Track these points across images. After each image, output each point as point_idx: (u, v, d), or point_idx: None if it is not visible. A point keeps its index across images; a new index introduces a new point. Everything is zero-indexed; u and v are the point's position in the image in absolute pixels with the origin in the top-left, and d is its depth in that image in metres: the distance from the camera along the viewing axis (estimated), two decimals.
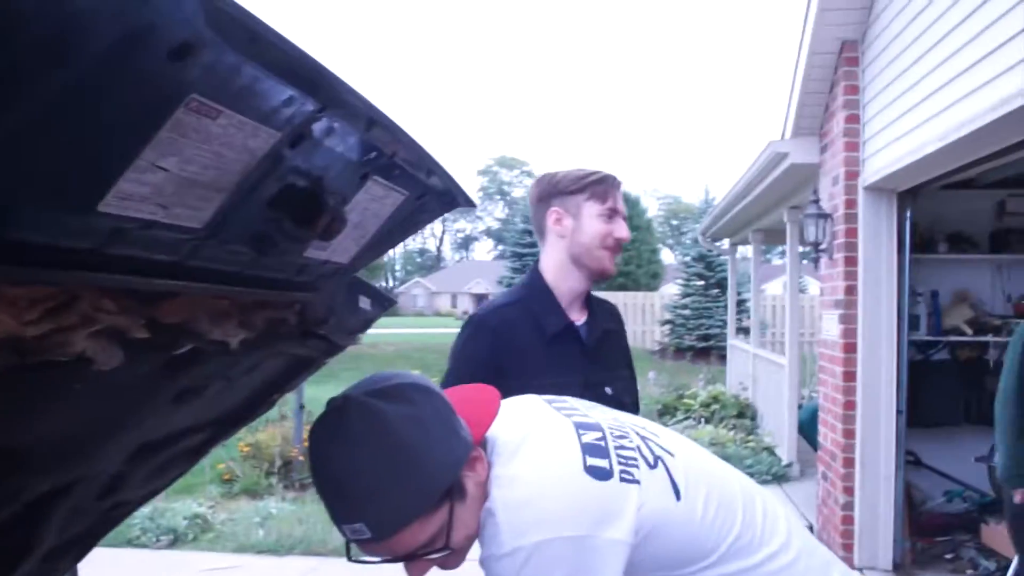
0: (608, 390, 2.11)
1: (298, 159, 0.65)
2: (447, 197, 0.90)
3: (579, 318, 2.18)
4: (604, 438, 1.33)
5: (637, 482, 1.28)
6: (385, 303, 1.26)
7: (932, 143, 4.08)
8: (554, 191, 2.16)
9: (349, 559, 1.27)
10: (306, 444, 7.48)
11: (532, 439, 1.30)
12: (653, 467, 1.34)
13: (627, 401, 2.16)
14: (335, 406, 1.16)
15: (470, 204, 0.95)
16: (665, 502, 1.30)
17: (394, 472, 1.14)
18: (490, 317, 2.13)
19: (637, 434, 1.41)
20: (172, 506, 6.43)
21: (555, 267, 2.16)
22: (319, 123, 0.68)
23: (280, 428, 7.84)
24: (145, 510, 6.30)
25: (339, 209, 0.72)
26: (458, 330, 2.20)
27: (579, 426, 1.34)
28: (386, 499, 1.14)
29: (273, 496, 7.03)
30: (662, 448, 1.41)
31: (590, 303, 2.24)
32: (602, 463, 1.27)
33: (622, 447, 1.33)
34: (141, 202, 0.54)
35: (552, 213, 2.15)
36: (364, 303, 1.20)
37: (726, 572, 1.34)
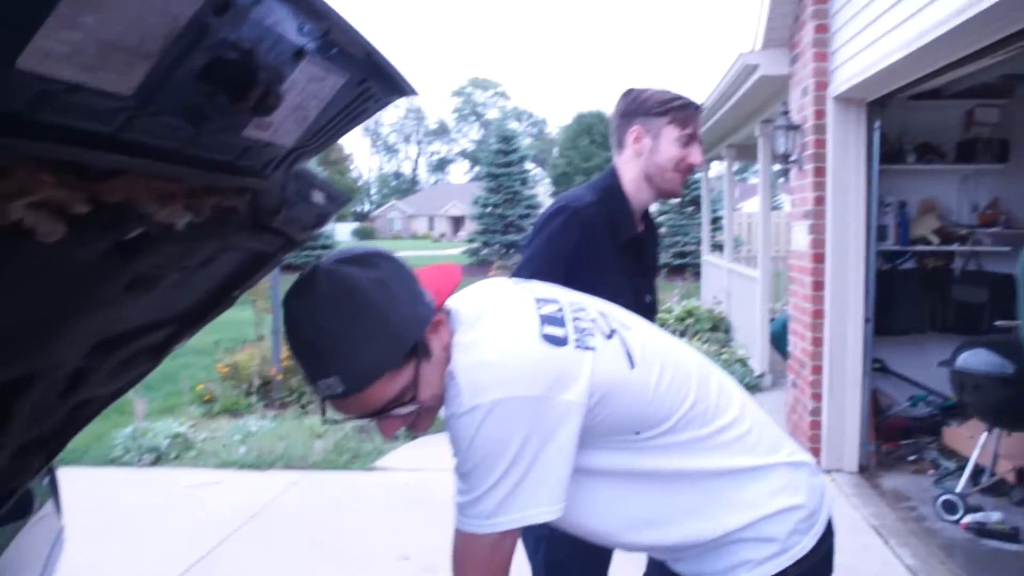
0: (647, 298, 2.30)
1: (225, 29, 0.66)
2: (389, 83, 0.91)
3: (639, 229, 2.33)
4: (562, 310, 1.41)
5: (592, 349, 1.35)
6: (339, 199, 1.27)
7: (898, 51, 4.07)
8: (639, 110, 2.25)
9: (324, 421, 1.35)
10: (284, 363, 7.59)
11: (493, 310, 1.38)
12: (609, 337, 1.41)
13: (656, 310, 2.38)
14: (306, 274, 1.23)
15: (413, 92, 0.96)
16: (619, 368, 1.37)
17: (362, 329, 1.21)
18: (583, 212, 2.18)
19: (596, 310, 1.48)
20: (153, 426, 6.50)
21: (631, 180, 2.27)
22: None
23: (258, 348, 7.88)
24: (126, 430, 6.38)
25: (273, 84, 0.72)
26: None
27: (539, 300, 1.42)
28: (355, 354, 1.21)
29: (253, 415, 7.12)
30: (620, 323, 1.48)
31: (646, 216, 2.38)
32: (558, 331, 1.34)
33: (579, 319, 1.40)
34: (62, 61, 0.55)
35: (633, 131, 2.25)
36: (317, 197, 1.21)
37: (678, 440, 1.42)
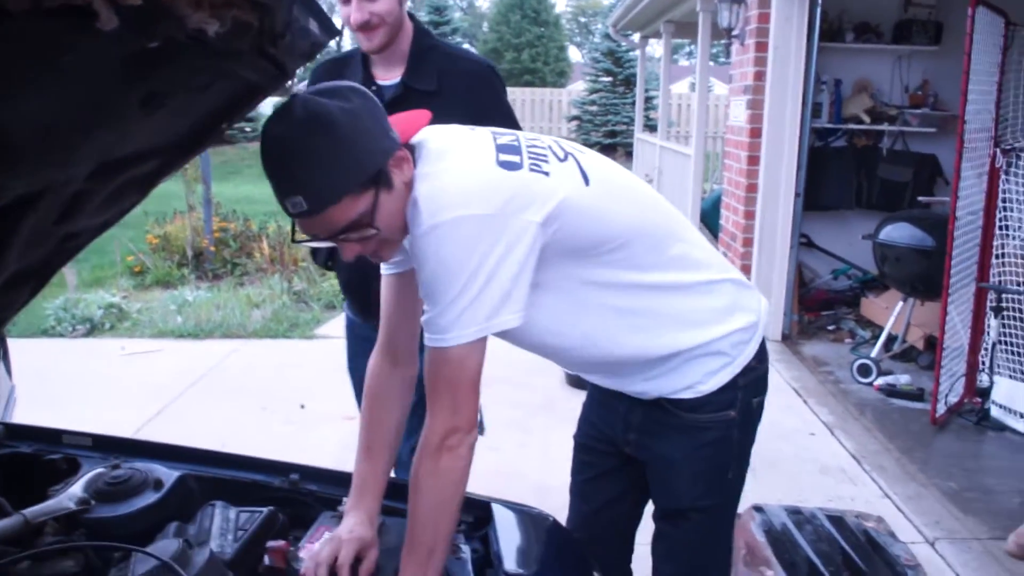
0: None
1: None
2: None
3: (386, 77, 2.27)
4: (517, 139, 1.51)
5: (546, 174, 1.44)
6: (332, 30, 1.27)
7: None
8: None
9: (293, 242, 1.46)
10: (216, 235, 7.48)
11: (454, 146, 1.46)
12: (563, 160, 1.51)
13: None
14: (283, 103, 1.31)
15: None
16: (574, 186, 1.47)
17: (328, 152, 1.29)
18: (321, 67, 2.39)
19: (552, 139, 1.58)
20: (84, 297, 6.40)
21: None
22: None
23: (189, 220, 7.73)
24: (56, 301, 6.25)
25: None
26: None
27: (495, 133, 1.51)
28: (320, 175, 1.30)
29: (187, 286, 7.04)
30: (575, 149, 1.58)
31: (418, 64, 2.25)
32: (513, 158, 1.44)
33: (534, 147, 1.50)
34: None
35: None
36: (313, 26, 1.21)
37: (632, 254, 1.53)
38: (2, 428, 1.68)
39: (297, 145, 1.29)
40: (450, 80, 2.22)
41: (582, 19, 55.09)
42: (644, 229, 1.56)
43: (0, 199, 1.01)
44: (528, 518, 1.64)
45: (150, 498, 1.47)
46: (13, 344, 5.61)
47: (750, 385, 1.68)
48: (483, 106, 2.17)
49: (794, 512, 2.59)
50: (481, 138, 1.49)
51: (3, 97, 0.76)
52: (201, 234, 7.63)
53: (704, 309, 1.63)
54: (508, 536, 1.54)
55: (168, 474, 1.53)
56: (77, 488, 1.47)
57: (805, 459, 3.91)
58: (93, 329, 6.07)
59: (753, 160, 5.53)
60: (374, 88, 2.19)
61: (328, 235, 1.38)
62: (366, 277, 2.14)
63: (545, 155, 1.48)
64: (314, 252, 2.43)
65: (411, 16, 2.29)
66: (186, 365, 5.21)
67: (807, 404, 4.60)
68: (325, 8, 1.28)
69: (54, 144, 0.93)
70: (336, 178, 1.31)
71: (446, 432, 1.37)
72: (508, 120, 2.23)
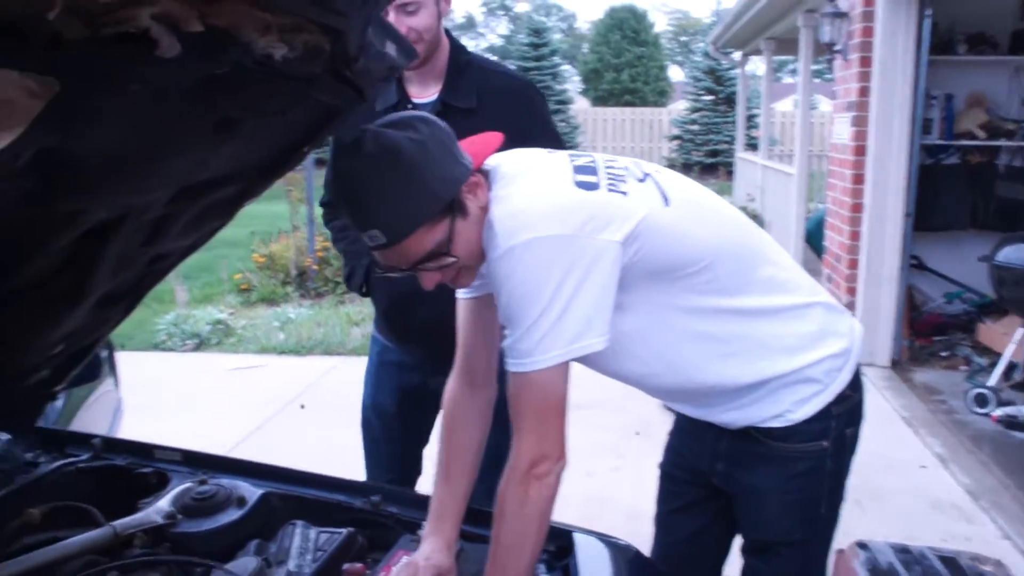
0: None
1: None
2: None
3: (422, 95, 2.16)
4: (594, 161, 1.48)
5: (624, 193, 1.41)
6: (410, 53, 1.27)
7: None
8: None
9: (376, 274, 1.44)
10: (319, 255, 7.68)
11: (528, 168, 1.45)
12: (641, 180, 1.47)
13: None
14: (353, 138, 1.32)
15: None
16: (654, 207, 1.43)
17: (400, 184, 1.30)
18: None
19: (630, 160, 1.55)
20: (193, 313, 6.66)
21: None
22: None
23: (293, 239, 7.97)
24: (168, 316, 6.53)
25: None
26: None
27: (572, 155, 1.50)
28: (394, 208, 1.31)
29: (290, 303, 7.25)
30: (653, 169, 1.55)
31: (456, 81, 2.17)
32: (590, 178, 1.41)
33: (611, 167, 1.47)
34: None
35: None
36: (390, 48, 1.21)
37: (717, 277, 1.48)
38: (100, 441, 1.74)
39: (369, 180, 1.31)
40: (489, 97, 2.14)
41: (683, 38, 54.65)
42: (728, 250, 1.50)
43: (82, 224, 1.04)
44: (611, 549, 1.59)
45: (233, 515, 1.49)
46: (128, 357, 5.88)
47: (844, 414, 1.61)
48: (525, 124, 2.09)
49: (902, 551, 2.44)
50: (556, 159, 1.47)
51: (73, 126, 0.78)
52: (304, 253, 7.85)
53: (794, 335, 1.56)
54: (590, 567, 1.50)
55: (252, 491, 1.55)
56: (164, 502, 1.50)
57: (915, 494, 3.71)
58: (201, 344, 6.31)
59: (858, 179, 5.33)
60: (410, 106, 2.14)
61: (407, 265, 1.38)
62: (410, 301, 2.11)
63: (623, 175, 1.45)
64: (347, 279, 2.34)
65: (447, 32, 2.21)
66: (286, 381, 5.35)
67: (918, 435, 4.37)
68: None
69: (128, 170, 0.95)
70: (410, 210, 1.31)
71: (533, 460, 1.35)
72: (552, 138, 2.16)
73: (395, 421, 2.38)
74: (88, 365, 2.15)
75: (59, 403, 2.51)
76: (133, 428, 3.27)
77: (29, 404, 1.66)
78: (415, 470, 2.46)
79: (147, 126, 0.91)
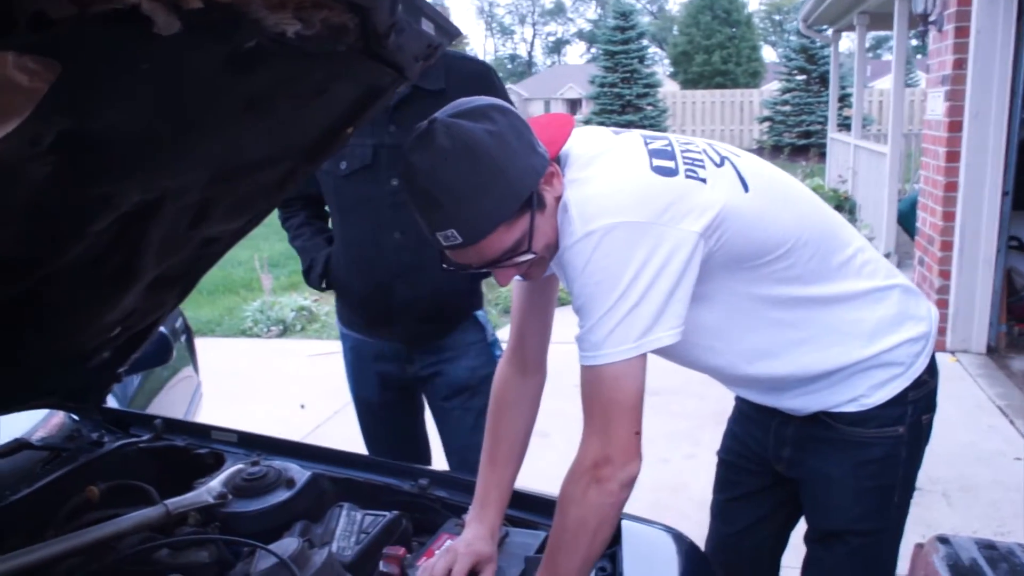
0: None
1: None
2: None
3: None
4: (671, 144, 1.40)
5: (703, 180, 1.34)
6: (450, 31, 1.25)
7: None
8: None
9: (444, 270, 1.38)
10: None
11: (605, 151, 1.37)
12: (719, 165, 1.40)
13: None
14: (423, 128, 1.24)
15: None
16: (734, 193, 1.36)
17: (479, 182, 1.22)
18: None
19: (705, 142, 1.47)
20: (280, 300, 6.83)
21: None
22: None
23: None
24: (255, 304, 6.72)
25: None
26: None
27: (647, 137, 1.42)
28: (472, 207, 1.22)
29: None
30: (730, 151, 1.47)
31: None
32: (668, 163, 1.34)
33: (688, 151, 1.39)
34: None
35: None
36: (427, 25, 1.19)
37: (796, 264, 1.43)
38: (160, 422, 1.79)
39: (445, 177, 1.22)
40: (456, 79, 2.12)
41: (776, 17, 53.19)
42: (807, 235, 1.44)
43: (119, 205, 1.06)
44: (661, 538, 1.55)
45: (282, 495, 1.51)
46: (216, 343, 6.10)
47: (920, 400, 1.55)
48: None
49: (987, 546, 2.31)
50: (631, 141, 1.40)
51: (86, 107, 0.78)
52: None
53: (872, 320, 1.50)
54: (636, 556, 1.46)
55: (301, 473, 1.57)
56: (217, 483, 1.53)
57: (1008, 487, 3.51)
58: (286, 330, 6.47)
59: (952, 156, 5.08)
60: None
61: (483, 264, 1.31)
62: (388, 288, 2.13)
63: (701, 160, 1.38)
64: (306, 273, 2.34)
65: None
66: None
67: (1014, 425, 4.15)
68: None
69: (156, 151, 0.96)
70: (490, 208, 1.23)
71: (596, 461, 1.28)
72: None
73: (382, 411, 2.41)
74: (158, 349, 2.22)
75: (135, 384, 2.60)
76: (212, 412, 3.38)
77: (94, 385, 1.72)
78: (419, 453, 2.48)
79: (171, 107, 0.91)
